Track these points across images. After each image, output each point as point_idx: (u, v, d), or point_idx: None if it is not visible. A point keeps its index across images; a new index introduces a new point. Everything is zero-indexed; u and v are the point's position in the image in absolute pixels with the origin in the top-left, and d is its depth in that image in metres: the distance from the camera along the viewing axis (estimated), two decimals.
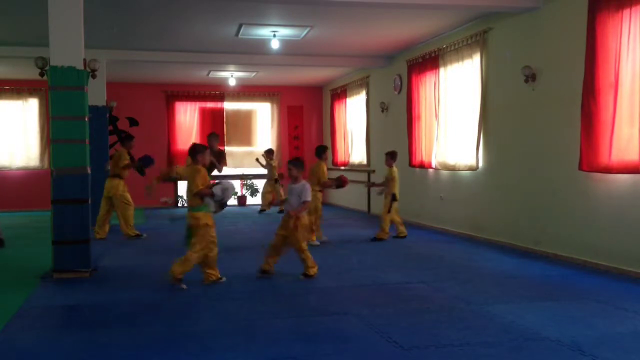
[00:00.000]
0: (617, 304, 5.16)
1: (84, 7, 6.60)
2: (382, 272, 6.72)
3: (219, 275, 6.19)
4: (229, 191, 6.08)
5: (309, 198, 6.53)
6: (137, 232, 9.62)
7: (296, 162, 6.68)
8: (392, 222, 9.19)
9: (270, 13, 8.85)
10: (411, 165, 11.00)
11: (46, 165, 14.27)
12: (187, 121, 15.94)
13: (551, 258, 7.44)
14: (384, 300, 5.42)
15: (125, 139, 10.01)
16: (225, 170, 11.20)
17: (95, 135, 8.50)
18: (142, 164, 9.74)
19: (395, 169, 9.26)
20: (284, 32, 9.81)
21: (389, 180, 9.19)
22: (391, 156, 9.33)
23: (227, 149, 15.67)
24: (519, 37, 8.17)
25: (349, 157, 14.50)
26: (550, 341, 4.16)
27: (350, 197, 14.35)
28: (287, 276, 6.47)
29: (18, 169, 14.78)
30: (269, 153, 13.99)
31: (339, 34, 10.09)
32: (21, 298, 5.56)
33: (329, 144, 16.13)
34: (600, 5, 6.53)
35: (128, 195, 9.55)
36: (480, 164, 9.04)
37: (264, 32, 9.80)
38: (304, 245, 6.42)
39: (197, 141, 15.65)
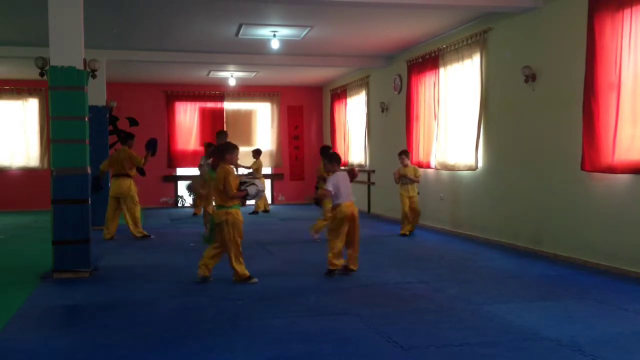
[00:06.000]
0: (617, 304, 5.16)
1: (84, 7, 6.60)
2: (382, 272, 6.72)
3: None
4: (261, 192, 6.37)
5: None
6: (145, 233, 9.56)
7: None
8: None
9: (270, 13, 8.85)
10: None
11: (46, 165, 14.26)
12: (187, 121, 15.93)
13: (551, 258, 7.44)
14: (384, 300, 5.42)
15: (127, 137, 9.95)
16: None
17: (95, 135, 8.51)
18: (152, 150, 9.73)
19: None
20: (284, 32, 9.80)
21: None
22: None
23: None
24: (519, 37, 8.17)
25: (348, 157, 14.49)
26: (550, 341, 4.16)
27: None
28: (286, 276, 6.48)
29: (18, 169, 14.78)
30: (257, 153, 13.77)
31: (339, 34, 10.09)
32: (21, 298, 5.56)
33: (328, 144, 16.14)
34: (600, 5, 6.53)
35: (136, 196, 9.50)
36: (480, 164, 9.04)
37: (264, 32, 9.79)
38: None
39: (198, 141, 15.67)
